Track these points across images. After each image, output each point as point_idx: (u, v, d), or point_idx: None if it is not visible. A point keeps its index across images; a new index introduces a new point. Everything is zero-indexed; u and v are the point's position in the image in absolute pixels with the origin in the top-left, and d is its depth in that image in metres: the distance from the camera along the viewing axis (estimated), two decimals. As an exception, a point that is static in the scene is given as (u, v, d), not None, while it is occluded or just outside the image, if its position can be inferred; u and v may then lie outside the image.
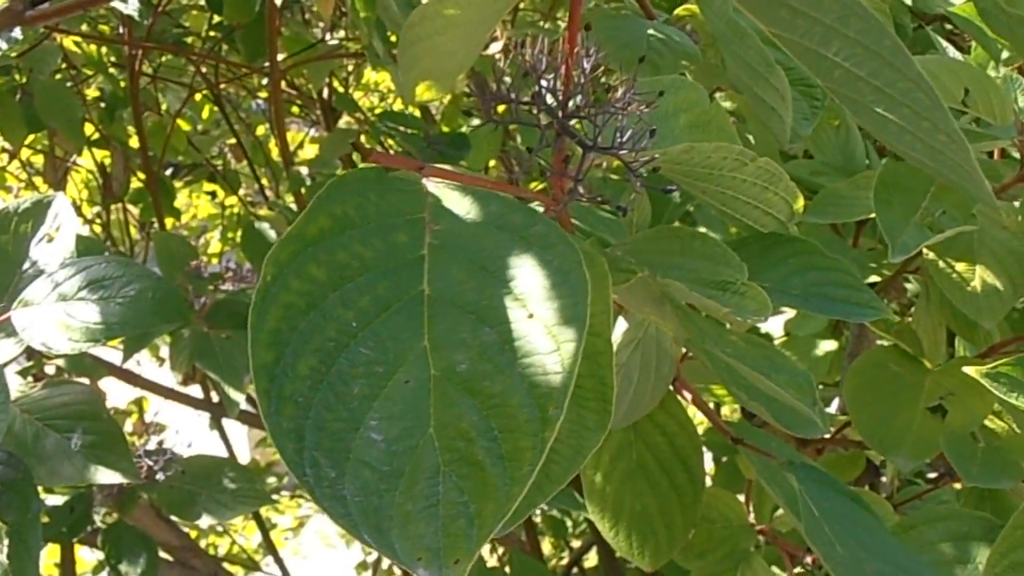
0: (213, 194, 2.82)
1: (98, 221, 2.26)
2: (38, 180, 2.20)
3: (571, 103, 0.43)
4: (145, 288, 0.60)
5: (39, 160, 2.10)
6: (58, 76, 1.59)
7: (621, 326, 0.59)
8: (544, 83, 0.43)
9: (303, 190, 1.42)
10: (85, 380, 1.02)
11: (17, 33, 1.09)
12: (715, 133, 0.58)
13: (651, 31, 0.69)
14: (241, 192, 2.49)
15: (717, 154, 0.49)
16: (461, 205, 0.32)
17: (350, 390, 0.27)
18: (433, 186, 0.33)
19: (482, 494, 0.26)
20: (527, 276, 0.29)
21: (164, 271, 0.94)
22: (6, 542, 0.57)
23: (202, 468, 0.86)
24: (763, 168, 0.50)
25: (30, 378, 0.86)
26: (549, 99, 0.43)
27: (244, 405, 0.96)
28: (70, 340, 0.59)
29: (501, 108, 0.45)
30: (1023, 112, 0.74)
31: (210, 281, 0.91)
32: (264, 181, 2.26)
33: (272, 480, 2.45)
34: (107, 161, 1.83)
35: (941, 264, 0.70)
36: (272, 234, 1.44)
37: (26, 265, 0.72)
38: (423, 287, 0.30)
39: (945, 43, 0.87)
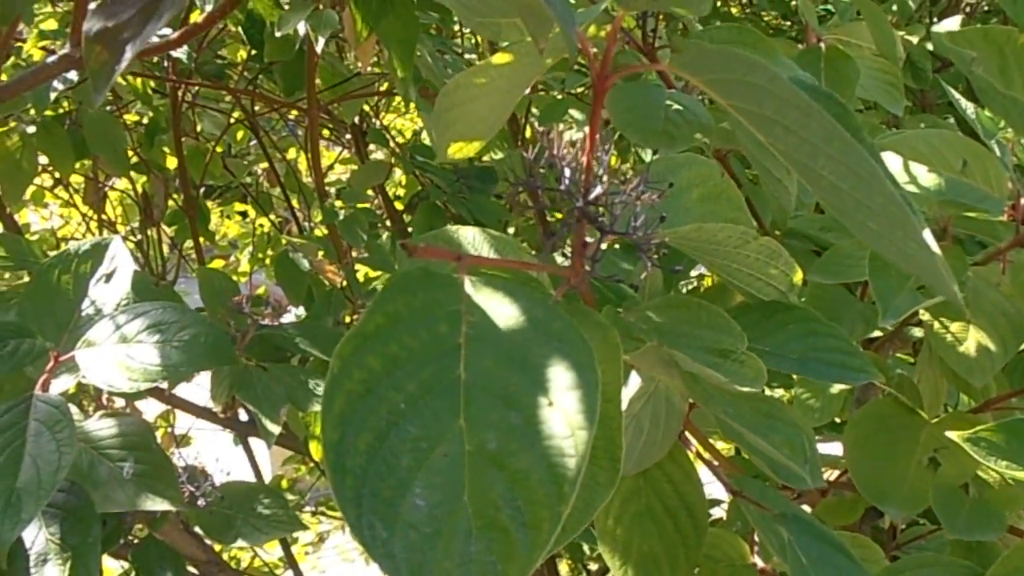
0: (244, 214, 2.89)
1: (131, 238, 2.33)
2: (76, 198, 2.28)
3: (591, 192, 0.48)
4: (198, 333, 0.66)
5: (76, 179, 2.17)
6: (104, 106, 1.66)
7: (634, 380, 0.64)
8: (567, 173, 0.49)
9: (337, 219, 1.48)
10: (131, 406, 1.08)
11: (73, 75, 1.15)
12: (725, 205, 0.64)
13: (669, 101, 0.74)
14: (271, 215, 2.56)
15: (723, 233, 0.54)
16: (492, 299, 0.37)
17: (399, 462, 0.33)
18: (469, 281, 0.38)
19: (508, 555, 0.31)
20: (549, 368, 0.35)
21: (207, 305, 1.00)
22: (68, 565, 0.63)
23: (238, 493, 0.92)
24: (765, 245, 0.55)
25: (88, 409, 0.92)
26: (571, 188, 0.49)
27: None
28: (130, 380, 0.65)
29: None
30: (1019, 180, 0.78)
31: (251, 316, 0.97)
32: (294, 202, 2.33)
33: (294, 497, 2.51)
34: (144, 186, 1.89)
35: (936, 324, 0.75)
36: (305, 263, 1.50)
37: (85, 304, 0.78)
38: (460, 372, 0.35)
39: (958, 95, 0.92)
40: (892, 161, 0.80)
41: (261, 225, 2.78)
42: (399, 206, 2.01)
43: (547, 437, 0.33)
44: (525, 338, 0.36)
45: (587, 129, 0.49)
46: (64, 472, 0.58)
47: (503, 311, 0.37)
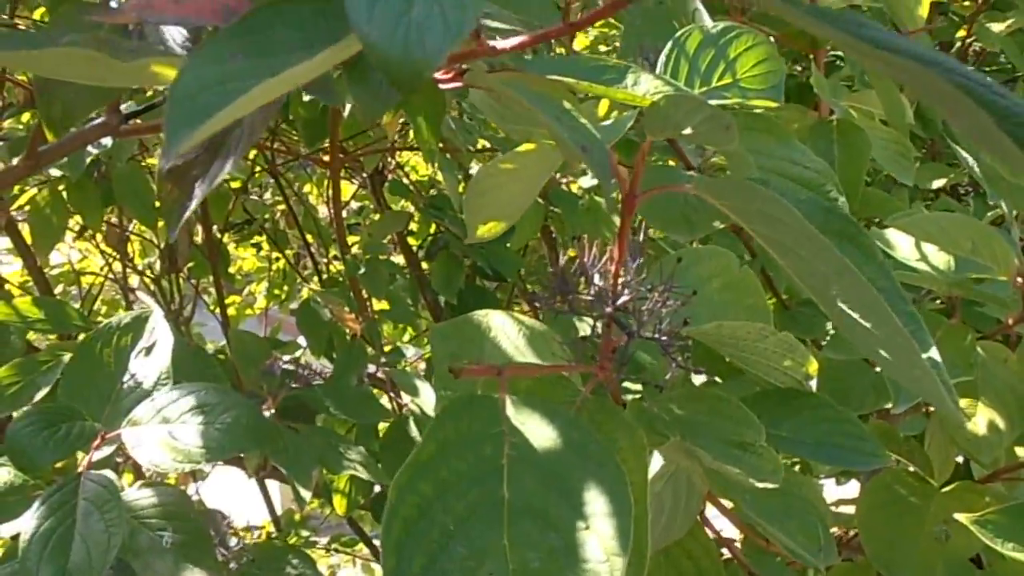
0: (258, 247, 2.93)
1: (149, 273, 2.37)
2: (97, 235, 2.32)
3: (619, 298, 0.52)
4: (240, 415, 0.69)
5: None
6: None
7: (656, 459, 0.67)
8: (596, 280, 0.52)
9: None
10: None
11: (107, 140, 1.19)
12: (743, 292, 0.67)
13: (688, 185, 0.78)
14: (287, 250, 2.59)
15: (742, 330, 0.57)
16: (532, 421, 0.41)
17: (450, 582, 0.36)
18: (510, 403, 0.41)
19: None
20: (586, 491, 0.38)
21: (240, 368, 1.04)
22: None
23: (268, 555, 0.95)
24: (782, 340, 0.58)
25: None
26: (600, 294, 0.52)
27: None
28: (174, 460, 0.68)
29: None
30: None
31: (283, 379, 1.00)
32: (309, 238, 2.36)
33: (307, 532, 2.53)
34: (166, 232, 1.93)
35: (947, 377, 0.77)
36: (326, 313, 1.53)
37: (126, 377, 0.81)
38: (503, 492, 0.38)
39: (965, 153, 0.94)
40: (903, 241, 0.84)
41: (277, 258, 2.81)
42: (412, 242, 2.04)
43: (585, 560, 0.36)
44: (563, 460, 0.39)
45: (617, 241, 0.52)
46: (114, 552, 0.61)
47: (542, 433, 0.40)
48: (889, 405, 0.92)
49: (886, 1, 1.09)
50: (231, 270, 2.90)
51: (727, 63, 0.53)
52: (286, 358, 1.54)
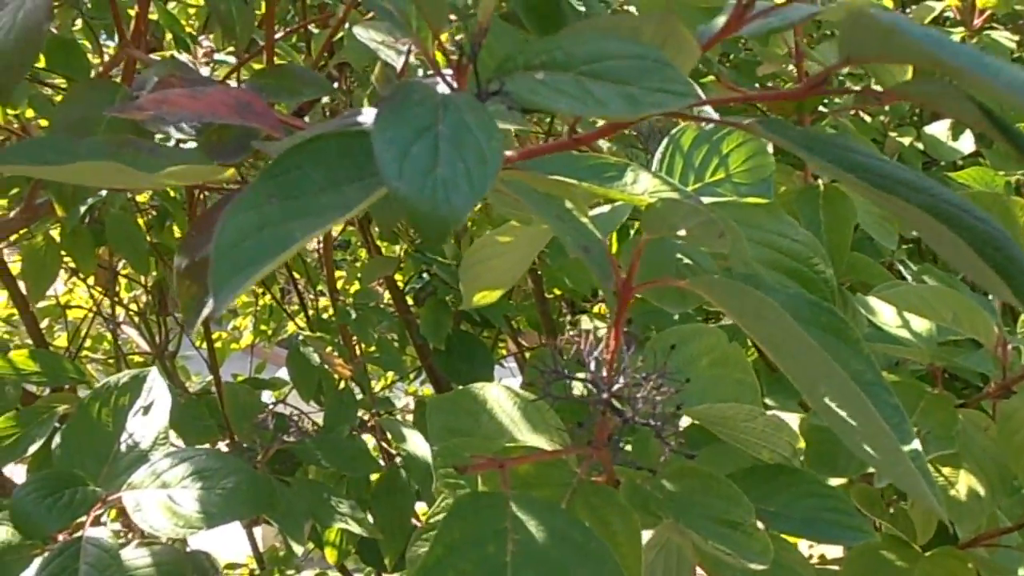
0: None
1: (135, 305, 2.38)
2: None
3: (614, 385, 0.54)
4: (240, 481, 0.70)
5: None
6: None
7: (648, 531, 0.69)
8: (592, 368, 0.54)
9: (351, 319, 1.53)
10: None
11: (102, 192, 1.21)
12: (732, 367, 0.69)
13: (679, 254, 0.80)
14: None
15: (732, 411, 0.59)
16: (534, 518, 0.42)
17: None
18: (513, 502, 0.43)
19: None
20: (587, 592, 0.39)
21: (233, 421, 1.05)
22: None
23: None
24: (770, 420, 0.60)
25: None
26: (596, 380, 0.54)
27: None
28: (174, 525, 0.69)
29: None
30: (1004, 328, 0.84)
31: (276, 432, 1.01)
32: (296, 274, 2.37)
33: (291, 572, 2.53)
34: (157, 274, 1.94)
35: (929, 467, 0.79)
36: (316, 358, 1.55)
37: (124, 436, 0.83)
38: (507, 590, 0.40)
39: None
40: (886, 307, 0.86)
41: (263, 293, 2.82)
42: (399, 278, 2.05)
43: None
44: (564, 558, 0.41)
45: (613, 330, 0.54)
46: (116, 620, 0.62)
47: (544, 530, 0.42)
48: (871, 470, 0.94)
49: (871, 67, 1.12)
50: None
51: (720, 158, 0.56)
52: (274, 402, 1.56)
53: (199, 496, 0.70)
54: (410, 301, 1.91)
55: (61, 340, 2.52)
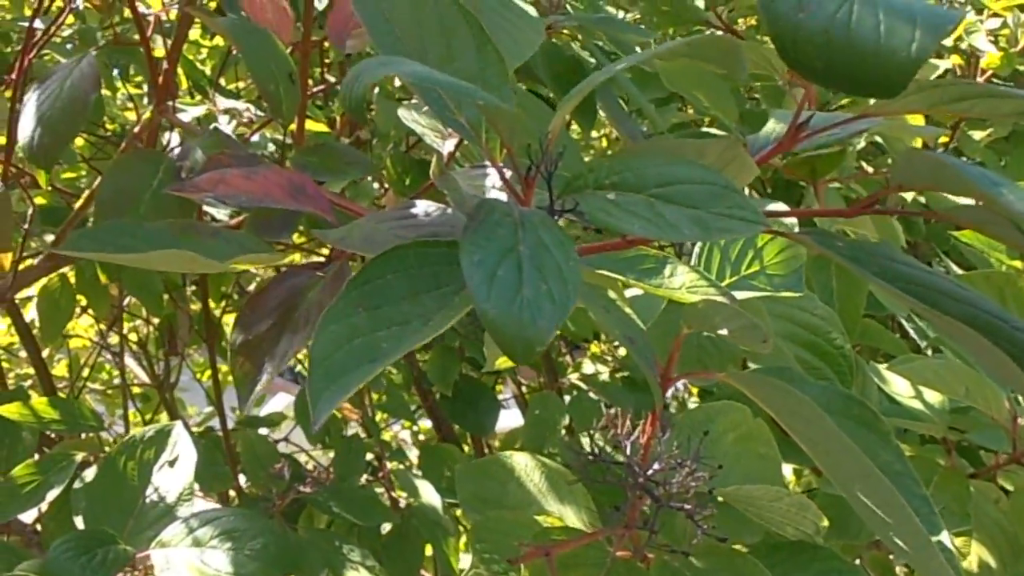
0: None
1: (136, 333, 2.38)
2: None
3: (649, 468, 0.55)
4: (269, 542, 0.71)
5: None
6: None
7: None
8: (628, 452, 0.55)
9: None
10: None
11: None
12: (756, 443, 0.70)
13: (720, 374, 0.82)
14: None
15: (758, 492, 0.61)
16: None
17: None
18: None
19: None
20: None
21: (248, 471, 1.06)
22: None
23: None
24: (796, 501, 0.62)
25: None
26: (631, 463, 0.55)
27: None
28: (204, 586, 0.70)
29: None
30: (1015, 402, 0.85)
31: (291, 482, 1.02)
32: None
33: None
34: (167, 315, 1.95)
35: (953, 551, 0.81)
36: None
37: (149, 491, 0.84)
38: None
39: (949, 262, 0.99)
40: (900, 381, 0.88)
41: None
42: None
43: None
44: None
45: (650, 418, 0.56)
46: None
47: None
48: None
49: (883, 135, 1.14)
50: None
51: (755, 251, 0.57)
52: (277, 439, 1.57)
53: (229, 557, 0.71)
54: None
55: (60, 368, 2.52)
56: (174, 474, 0.84)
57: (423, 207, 0.47)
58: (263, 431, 1.75)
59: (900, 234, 1.15)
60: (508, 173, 0.39)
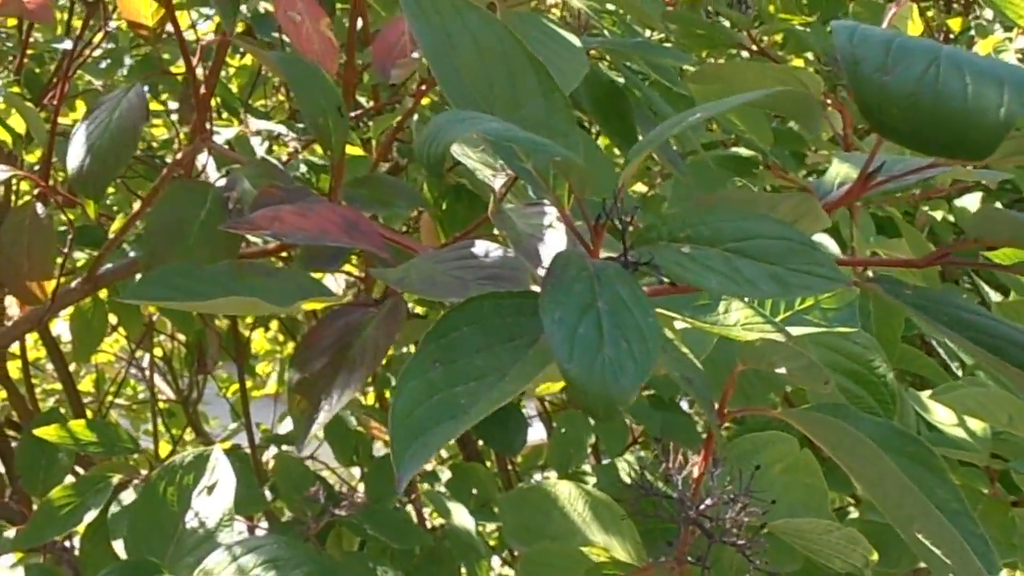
0: (266, 326, 2.95)
1: (161, 346, 2.39)
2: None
3: (701, 504, 0.55)
4: (312, 571, 0.71)
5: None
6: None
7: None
8: (680, 487, 0.55)
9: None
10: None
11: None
12: (803, 472, 0.70)
13: (775, 411, 0.82)
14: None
15: (809, 525, 0.60)
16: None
17: None
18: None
19: None
20: None
21: (284, 494, 1.06)
22: None
23: None
24: (845, 534, 0.62)
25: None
26: (683, 498, 0.55)
27: None
28: (249, 615, 0.70)
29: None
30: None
31: (326, 505, 1.03)
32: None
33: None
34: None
35: None
36: (352, 420, 1.56)
37: (189, 516, 0.84)
38: None
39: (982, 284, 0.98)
40: (941, 409, 0.87)
41: (285, 342, 2.83)
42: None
43: None
44: None
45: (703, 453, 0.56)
46: None
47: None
48: (923, 564, 0.95)
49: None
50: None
51: (808, 286, 0.57)
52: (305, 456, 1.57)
53: (272, 586, 0.71)
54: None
55: (85, 384, 2.54)
56: (213, 499, 0.84)
57: (482, 247, 0.47)
58: (286, 447, 1.76)
59: (934, 256, 1.15)
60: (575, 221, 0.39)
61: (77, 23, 1.42)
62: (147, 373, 2.26)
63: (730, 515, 0.55)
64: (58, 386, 2.19)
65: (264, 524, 1.57)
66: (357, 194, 0.64)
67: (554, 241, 0.45)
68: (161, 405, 2.52)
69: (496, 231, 0.75)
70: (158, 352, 2.33)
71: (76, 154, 0.71)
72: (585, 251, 0.38)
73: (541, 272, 0.44)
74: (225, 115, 1.52)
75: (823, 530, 0.61)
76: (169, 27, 0.73)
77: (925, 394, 0.90)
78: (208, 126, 0.85)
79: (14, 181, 1.23)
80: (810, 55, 1.57)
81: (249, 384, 3.09)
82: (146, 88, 1.68)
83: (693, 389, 0.47)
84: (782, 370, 0.47)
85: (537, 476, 1.81)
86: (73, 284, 1.10)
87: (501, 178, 0.56)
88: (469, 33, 0.40)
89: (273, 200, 0.59)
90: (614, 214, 0.36)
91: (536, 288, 0.41)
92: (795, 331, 0.53)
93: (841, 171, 0.44)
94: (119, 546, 1.00)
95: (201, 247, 0.65)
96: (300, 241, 0.50)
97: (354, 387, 0.48)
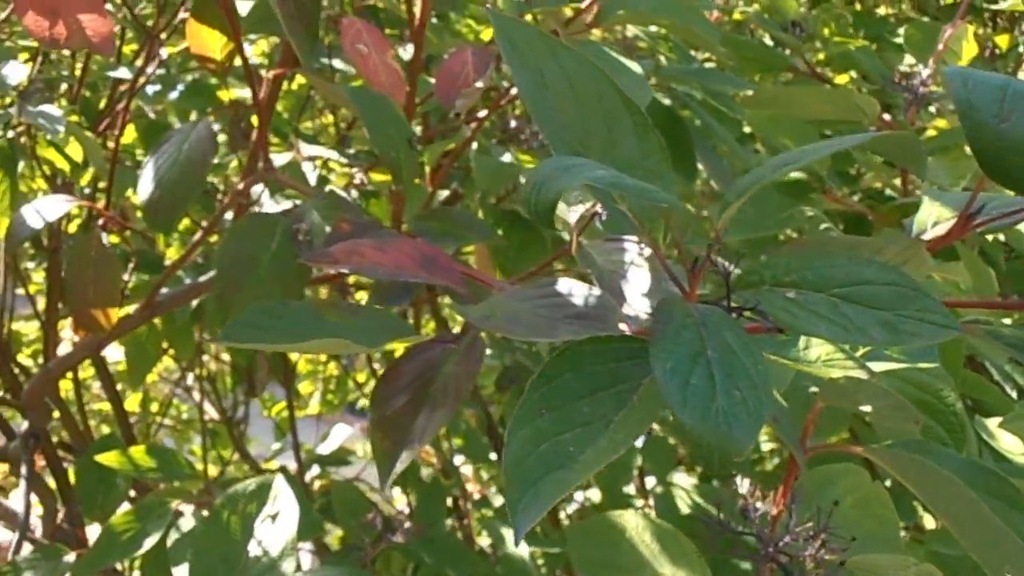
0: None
1: (206, 367, 2.41)
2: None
3: (779, 541, 0.54)
4: (379, 602, 0.71)
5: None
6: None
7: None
8: (757, 522, 0.55)
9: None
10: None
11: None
12: (875, 505, 0.69)
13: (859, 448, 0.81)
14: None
15: (886, 560, 0.60)
16: None
17: None
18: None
19: None
20: None
21: (342, 520, 1.06)
22: None
23: None
24: (922, 570, 0.61)
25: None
26: (761, 535, 0.55)
27: None
28: (316, 645, 0.70)
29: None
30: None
31: (383, 532, 1.03)
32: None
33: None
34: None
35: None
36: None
37: (252, 544, 0.84)
38: None
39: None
40: (1008, 436, 0.86)
41: (325, 363, 2.84)
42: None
43: None
44: None
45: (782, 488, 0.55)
46: None
47: None
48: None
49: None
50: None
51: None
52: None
53: (338, 615, 0.71)
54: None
55: (131, 403, 2.56)
56: (276, 529, 0.84)
57: (565, 285, 0.47)
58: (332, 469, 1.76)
59: (994, 281, 1.13)
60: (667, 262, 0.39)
61: (126, 49, 1.44)
62: (194, 394, 2.28)
63: (809, 552, 0.54)
64: (105, 406, 2.21)
65: (307, 546, 1.58)
66: (427, 227, 0.64)
67: (638, 279, 0.45)
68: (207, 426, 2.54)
69: (559, 265, 0.75)
70: (204, 373, 2.35)
71: (146, 188, 0.72)
72: (681, 294, 0.38)
73: (627, 311, 0.43)
74: (274, 139, 1.53)
75: (900, 566, 0.60)
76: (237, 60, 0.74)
77: (991, 421, 0.88)
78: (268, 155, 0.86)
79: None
80: (854, 72, 1.55)
81: (282, 404, 3.10)
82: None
83: (780, 428, 0.47)
84: (867, 408, 0.47)
85: (579, 496, 1.80)
86: (131, 309, 1.11)
87: (577, 211, 0.56)
88: (564, 74, 0.40)
89: (344, 235, 0.59)
90: (714, 257, 0.36)
91: (624, 327, 0.40)
92: (876, 366, 0.53)
93: (934, 211, 0.44)
94: (178, 572, 1.00)
95: (272, 280, 0.65)
96: (378, 276, 0.50)
97: (437, 424, 0.48)
